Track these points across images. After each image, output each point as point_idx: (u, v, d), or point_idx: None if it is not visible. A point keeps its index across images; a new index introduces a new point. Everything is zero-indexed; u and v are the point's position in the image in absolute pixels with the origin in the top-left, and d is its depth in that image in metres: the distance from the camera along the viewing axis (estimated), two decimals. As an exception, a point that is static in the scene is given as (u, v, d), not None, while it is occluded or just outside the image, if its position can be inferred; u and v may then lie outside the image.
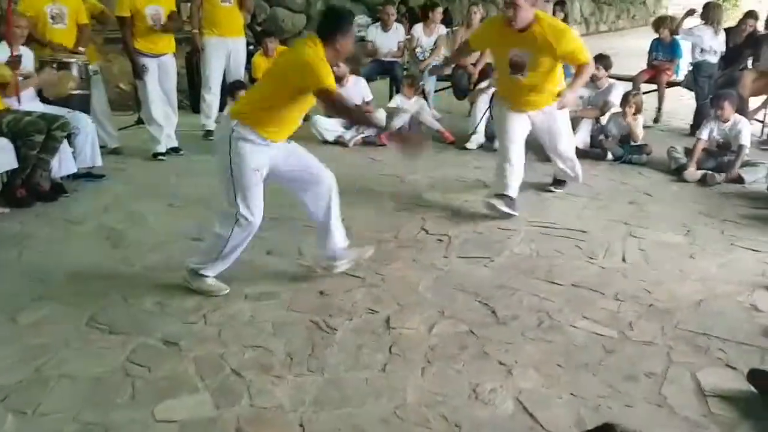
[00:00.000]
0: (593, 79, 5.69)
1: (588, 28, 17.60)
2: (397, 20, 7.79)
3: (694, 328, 2.82)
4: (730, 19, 11.16)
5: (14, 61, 4.35)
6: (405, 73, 7.18)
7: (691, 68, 6.72)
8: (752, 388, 2.35)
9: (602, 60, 5.65)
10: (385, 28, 7.26)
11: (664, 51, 6.94)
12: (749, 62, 6.49)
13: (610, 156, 5.44)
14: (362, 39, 7.80)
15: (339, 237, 3.25)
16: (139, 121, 6.17)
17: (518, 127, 4.18)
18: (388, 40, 7.21)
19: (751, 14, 6.74)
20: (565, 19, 7.23)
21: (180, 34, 5.87)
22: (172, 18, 5.23)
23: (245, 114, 2.94)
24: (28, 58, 4.55)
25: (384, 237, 3.84)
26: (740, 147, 4.96)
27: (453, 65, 6.25)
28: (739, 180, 4.85)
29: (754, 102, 6.18)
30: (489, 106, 5.34)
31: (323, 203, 3.17)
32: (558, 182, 4.71)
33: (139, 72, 5.18)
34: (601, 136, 5.55)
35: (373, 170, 5.20)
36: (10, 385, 2.40)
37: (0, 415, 2.24)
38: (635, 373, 2.49)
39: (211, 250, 3.09)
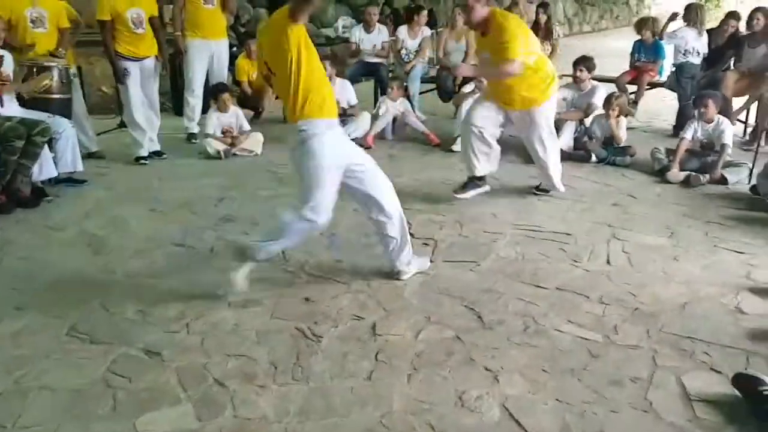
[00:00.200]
0: (576, 81, 5.72)
1: (571, 28, 17.70)
2: (382, 22, 7.79)
3: (679, 332, 2.83)
4: (713, 19, 11.27)
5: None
6: (390, 75, 7.17)
7: (673, 69, 6.76)
8: (737, 393, 2.36)
9: (585, 62, 5.68)
10: (368, 29, 7.26)
11: (646, 52, 6.97)
12: (731, 63, 6.55)
13: (593, 158, 5.46)
14: (346, 40, 7.80)
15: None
16: (122, 125, 6.11)
17: (483, 113, 4.34)
18: (371, 40, 7.20)
19: (732, 15, 6.80)
20: (548, 21, 7.28)
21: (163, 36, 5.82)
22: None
23: (297, 110, 2.91)
24: (7, 61, 4.48)
25: (369, 241, 3.82)
26: (723, 147, 4.99)
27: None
28: (723, 181, 4.89)
29: (736, 103, 6.23)
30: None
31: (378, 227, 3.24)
32: (541, 189, 4.71)
33: (120, 76, 5.12)
34: (585, 138, 5.58)
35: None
36: (-12, 397, 2.36)
37: (-22, 430, 2.20)
38: (620, 378, 2.49)
39: (271, 234, 3.07)
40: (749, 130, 6.39)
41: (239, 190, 4.77)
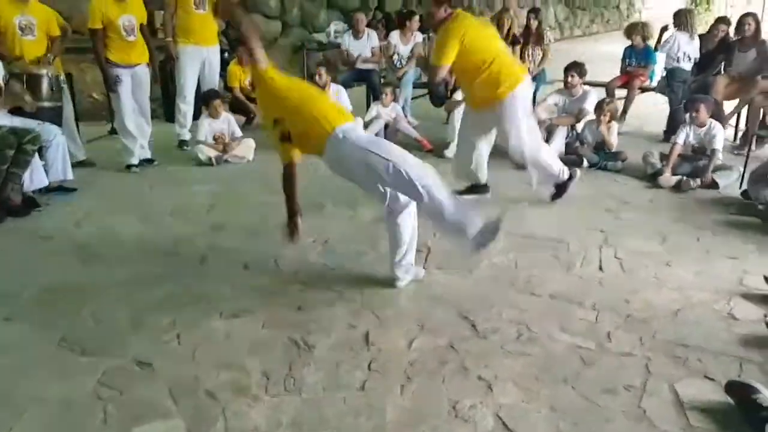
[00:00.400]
0: (568, 87, 5.73)
1: (562, 32, 17.77)
2: (373, 26, 7.79)
3: (672, 338, 2.83)
4: (704, 23, 11.35)
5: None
6: (382, 80, 7.17)
7: (664, 74, 6.79)
8: (730, 400, 2.36)
9: (576, 68, 5.69)
10: (357, 35, 7.29)
11: (637, 57, 7.01)
12: (722, 68, 6.58)
13: (585, 163, 5.47)
14: (338, 45, 7.80)
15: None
16: (113, 131, 6.08)
17: (469, 125, 4.46)
18: (360, 47, 7.23)
19: (722, 20, 6.85)
20: (539, 26, 7.30)
21: (154, 43, 5.80)
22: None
23: (327, 125, 3.01)
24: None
25: (361, 249, 3.81)
26: (713, 151, 5.01)
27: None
28: (713, 185, 4.91)
29: (726, 107, 6.26)
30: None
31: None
32: (557, 189, 4.61)
33: (111, 84, 5.09)
34: (577, 144, 5.59)
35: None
36: (-22, 411, 2.34)
37: (-33, 444, 2.17)
38: (614, 386, 2.48)
39: (453, 225, 3.05)
40: (740, 134, 6.42)
41: (231, 197, 4.76)
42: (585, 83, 5.88)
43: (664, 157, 5.20)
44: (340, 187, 4.81)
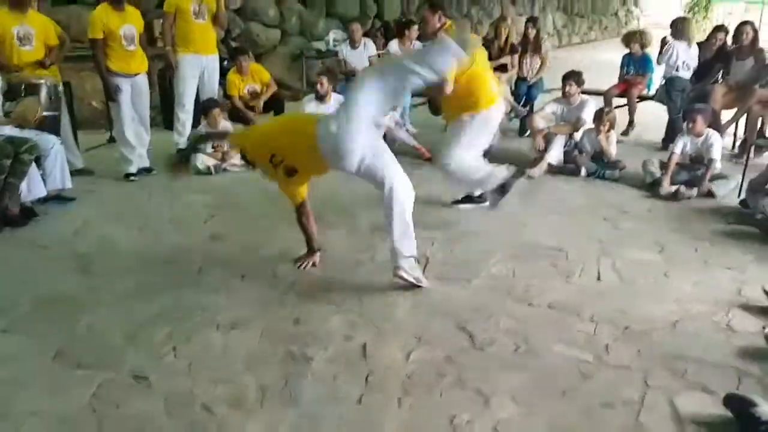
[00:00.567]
0: (566, 96, 5.74)
1: (560, 40, 17.80)
2: (372, 35, 7.80)
3: (671, 351, 2.82)
4: (702, 30, 11.37)
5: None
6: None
7: (663, 82, 6.80)
8: (729, 414, 2.35)
9: (574, 76, 5.69)
10: (354, 45, 7.33)
11: (635, 66, 7.02)
12: (719, 76, 6.59)
13: (583, 172, 5.47)
14: (337, 54, 7.82)
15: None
16: (111, 140, 6.08)
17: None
18: (357, 56, 7.26)
19: (720, 28, 6.86)
20: (537, 35, 7.31)
21: (153, 51, 5.81)
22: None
23: (309, 130, 3.23)
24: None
25: (360, 258, 3.81)
26: (710, 161, 5.02)
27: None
28: (711, 194, 4.91)
29: (724, 116, 6.26)
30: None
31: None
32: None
33: (111, 93, 5.09)
34: (575, 152, 5.59)
35: (349, 188, 5.14)
36: (-27, 425, 2.33)
37: (-39, 459, 2.16)
38: (612, 400, 2.47)
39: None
40: (738, 143, 6.42)
41: (229, 207, 4.75)
42: (583, 92, 5.88)
43: (663, 166, 5.20)
44: (339, 197, 4.84)
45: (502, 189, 4.36)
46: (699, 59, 6.61)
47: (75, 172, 5.08)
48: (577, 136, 5.67)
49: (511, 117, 7.50)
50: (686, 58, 6.53)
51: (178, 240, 4.10)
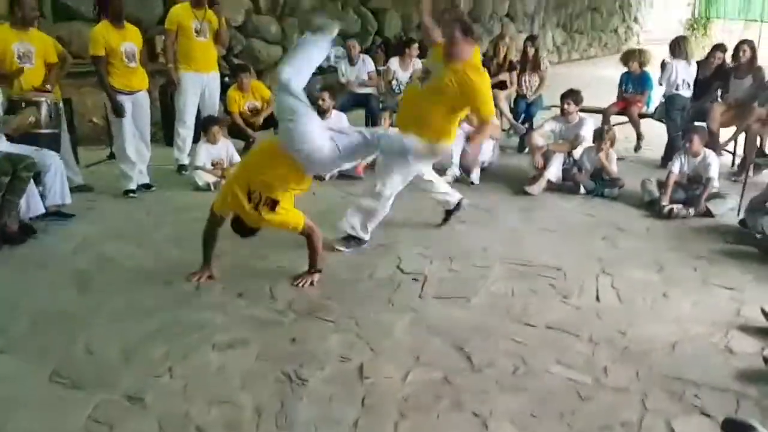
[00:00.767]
0: (564, 114, 5.76)
1: (560, 56, 17.87)
2: (372, 51, 7.85)
3: (669, 373, 2.81)
4: (701, 48, 11.41)
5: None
6: (381, 105, 7.21)
7: (663, 101, 6.81)
8: (726, 438, 2.34)
9: (573, 95, 5.72)
10: (351, 62, 7.39)
11: (634, 84, 7.04)
12: (718, 95, 6.61)
13: (582, 189, 5.48)
14: (335, 70, 7.87)
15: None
16: (112, 156, 6.09)
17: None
18: (355, 72, 7.33)
19: (719, 47, 6.88)
20: (536, 53, 7.33)
21: (155, 67, 5.83)
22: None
23: (275, 145, 3.56)
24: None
25: (359, 276, 3.80)
26: (707, 180, 5.02)
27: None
28: (708, 213, 4.91)
29: (723, 134, 6.28)
30: (466, 138, 5.40)
31: None
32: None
33: (118, 110, 5.11)
34: (574, 170, 5.60)
35: (344, 206, 5.15)
36: (-33, 447, 2.31)
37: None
38: (610, 423, 2.46)
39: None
40: (737, 161, 6.43)
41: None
42: (582, 109, 5.90)
43: (662, 185, 5.20)
44: (337, 211, 4.84)
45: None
46: (697, 77, 6.62)
47: (74, 189, 5.08)
48: (576, 153, 5.69)
49: (510, 134, 7.55)
50: (686, 76, 6.55)
51: (177, 257, 4.10)
